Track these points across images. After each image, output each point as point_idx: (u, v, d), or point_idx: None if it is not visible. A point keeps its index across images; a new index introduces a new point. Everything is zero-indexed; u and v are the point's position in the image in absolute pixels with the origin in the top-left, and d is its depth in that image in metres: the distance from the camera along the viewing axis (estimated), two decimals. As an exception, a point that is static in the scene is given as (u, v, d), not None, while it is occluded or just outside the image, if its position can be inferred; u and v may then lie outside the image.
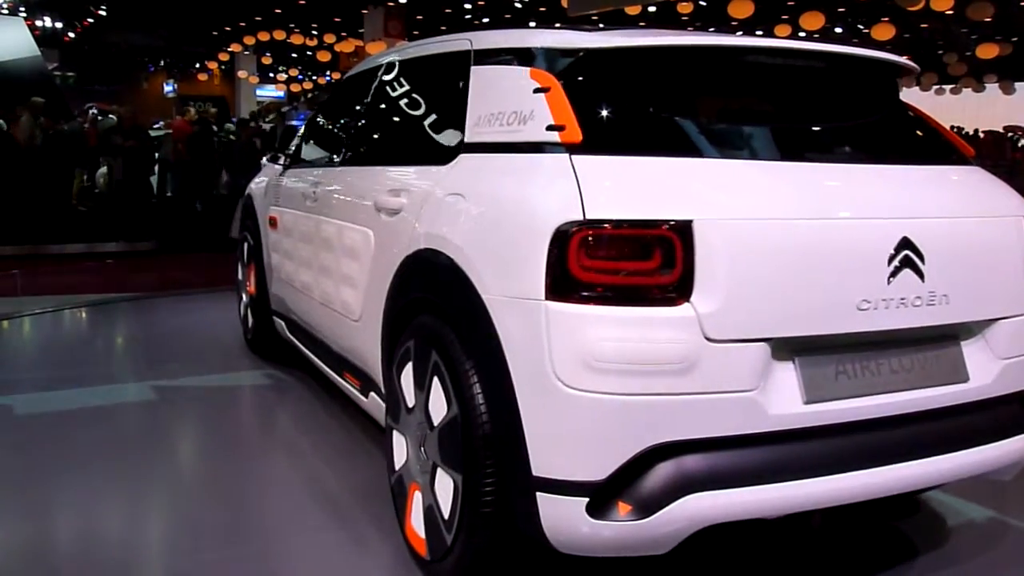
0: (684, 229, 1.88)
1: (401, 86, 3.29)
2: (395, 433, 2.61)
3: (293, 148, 4.36)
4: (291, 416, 3.97)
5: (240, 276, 5.14)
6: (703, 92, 2.37)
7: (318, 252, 3.50)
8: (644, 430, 1.88)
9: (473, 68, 2.60)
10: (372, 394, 2.97)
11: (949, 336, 2.23)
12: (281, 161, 4.36)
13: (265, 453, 3.59)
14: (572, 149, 2.04)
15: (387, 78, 3.39)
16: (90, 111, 15.01)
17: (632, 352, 1.86)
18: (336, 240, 3.25)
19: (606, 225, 1.89)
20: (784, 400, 1.97)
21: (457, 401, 2.16)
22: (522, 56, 2.41)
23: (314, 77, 29.20)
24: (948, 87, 22.45)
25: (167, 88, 29.02)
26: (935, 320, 2.15)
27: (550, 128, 2.10)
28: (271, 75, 29.99)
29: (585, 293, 1.88)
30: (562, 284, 1.90)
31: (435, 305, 2.38)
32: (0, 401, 4.04)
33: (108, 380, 4.54)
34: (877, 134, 2.54)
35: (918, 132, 2.59)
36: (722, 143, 2.20)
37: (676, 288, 1.88)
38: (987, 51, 15.89)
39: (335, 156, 3.63)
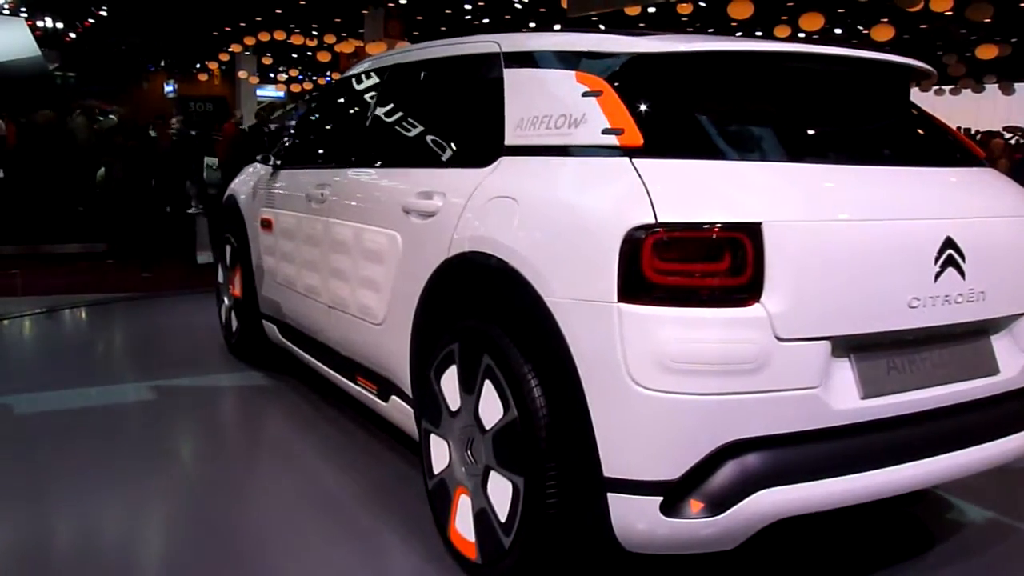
0: (754, 231, 1.94)
1: (421, 87, 3.25)
2: (433, 437, 2.60)
3: (284, 148, 4.24)
4: (289, 420, 3.94)
5: (221, 279, 4.98)
6: (753, 96, 2.40)
7: (328, 255, 3.45)
8: (718, 428, 1.93)
9: (506, 71, 2.61)
10: (393, 398, 2.96)
11: (980, 331, 2.36)
12: (271, 162, 4.24)
13: (269, 458, 3.59)
14: (632, 152, 2.08)
15: (403, 79, 3.35)
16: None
17: (707, 352, 1.92)
18: (353, 243, 3.21)
19: (678, 227, 1.94)
20: (843, 396, 2.05)
21: (516, 404, 2.18)
22: (564, 59, 2.43)
23: (314, 77, 29.19)
24: (947, 88, 22.44)
25: (167, 88, 29.01)
26: (973, 316, 2.27)
27: (607, 132, 2.14)
28: (271, 75, 29.98)
29: (658, 295, 1.93)
30: (635, 286, 1.94)
31: (484, 308, 2.39)
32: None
33: (99, 383, 4.48)
34: (905, 137, 2.64)
35: (935, 135, 2.68)
36: (777, 146, 2.28)
37: (747, 289, 1.94)
38: (986, 52, 15.89)
39: (344, 157, 3.56)
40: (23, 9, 18.91)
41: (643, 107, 2.18)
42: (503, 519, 2.24)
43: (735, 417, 1.93)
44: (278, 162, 4.20)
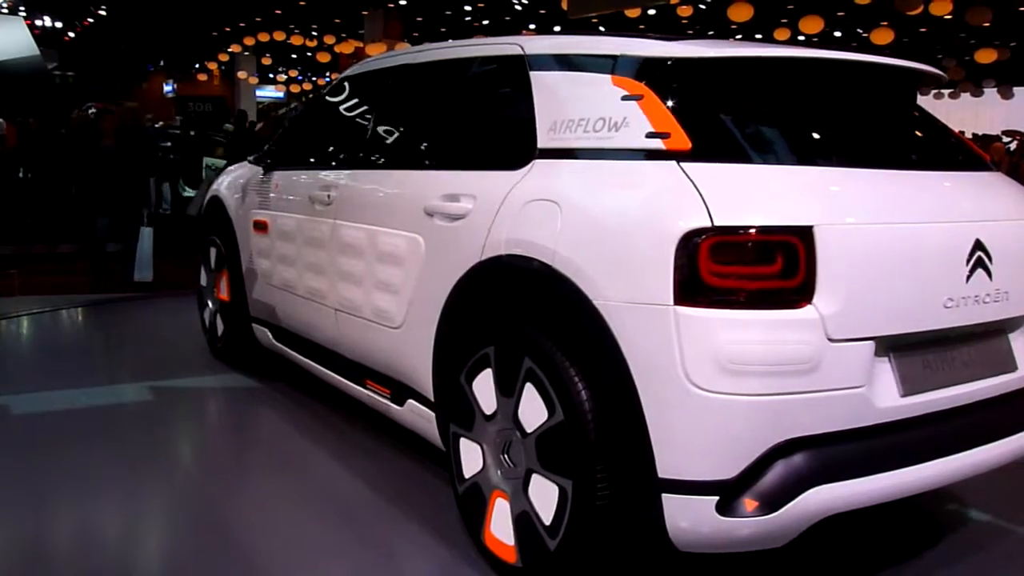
0: (807, 234, 1.98)
1: (439, 89, 3.21)
2: (464, 441, 2.59)
3: (278, 149, 4.13)
4: (284, 422, 3.89)
5: (205, 282, 4.81)
6: (793, 102, 2.43)
7: (336, 258, 3.37)
8: (772, 428, 1.97)
9: (532, 74, 2.61)
10: (411, 401, 2.94)
11: (999, 330, 2.43)
12: (264, 162, 4.12)
13: (270, 460, 3.55)
14: (680, 156, 2.09)
15: (417, 80, 3.31)
16: (90, 111, 14.98)
17: (764, 354, 1.95)
18: (367, 246, 3.15)
19: (733, 231, 1.96)
20: (885, 394, 2.11)
21: (562, 407, 2.18)
22: (597, 63, 2.44)
23: (314, 78, 29.21)
24: (946, 92, 22.47)
25: (167, 88, 29.02)
26: (997, 315, 2.34)
27: (651, 135, 2.16)
28: (271, 76, 30.00)
29: (714, 297, 1.95)
30: (691, 289, 1.96)
31: (523, 310, 2.39)
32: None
33: (95, 383, 4.43)
34: (925, 142, 2.70)
35: (948, 140, 2.73)
36: (816, 151, 2.32)
37: (800, 291, 1.98)
38: (985, 56, 15.92)
39: (352, 158, 3.47)
40: (22, 8, 18.90)
41: (686, 111, 2.19)
42: (548, 522, 2.23)
43: (789, 416, 1.97)
44: (271, 162, 4.09)
